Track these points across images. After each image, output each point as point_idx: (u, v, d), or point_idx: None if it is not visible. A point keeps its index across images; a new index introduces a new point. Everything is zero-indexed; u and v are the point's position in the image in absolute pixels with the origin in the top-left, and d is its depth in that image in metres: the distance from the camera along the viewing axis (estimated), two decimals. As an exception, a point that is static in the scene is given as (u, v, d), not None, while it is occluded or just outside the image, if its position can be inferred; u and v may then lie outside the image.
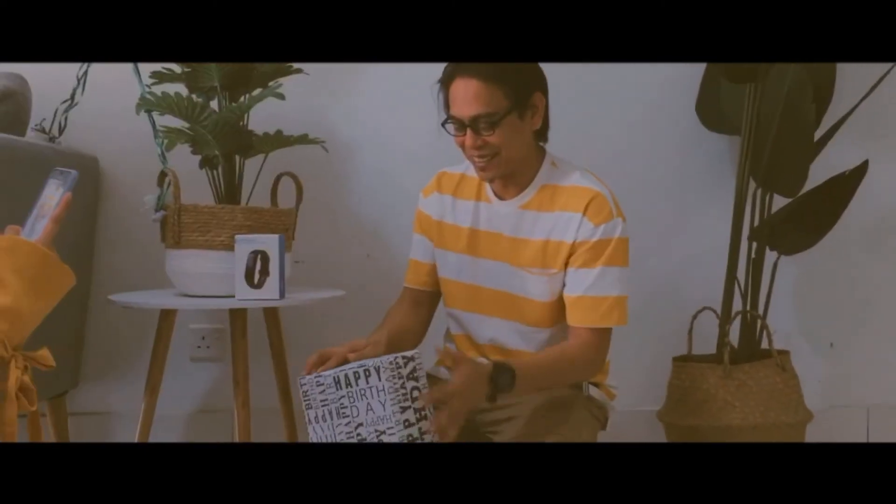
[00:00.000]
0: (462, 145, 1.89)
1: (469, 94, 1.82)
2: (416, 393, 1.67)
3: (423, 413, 1.67)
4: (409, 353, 1.67)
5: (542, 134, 1.96)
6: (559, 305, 1.96)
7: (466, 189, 2.02)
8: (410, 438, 1.67)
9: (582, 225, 1.90)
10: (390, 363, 1.66)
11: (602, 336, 1.93)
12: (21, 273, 1.30)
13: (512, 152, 1.88)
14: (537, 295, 1.96)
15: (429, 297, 2.11)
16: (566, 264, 1.92)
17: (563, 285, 1.94)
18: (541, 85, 1.92)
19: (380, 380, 1.66)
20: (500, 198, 1.98)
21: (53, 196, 1.41)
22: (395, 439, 1.67)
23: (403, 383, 1.66)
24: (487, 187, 2.01)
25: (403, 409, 1.67)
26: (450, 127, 1.89)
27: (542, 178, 1.96)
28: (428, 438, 1.68)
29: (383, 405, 1.67)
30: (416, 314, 2.08)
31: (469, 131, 1.85)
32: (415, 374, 1.66)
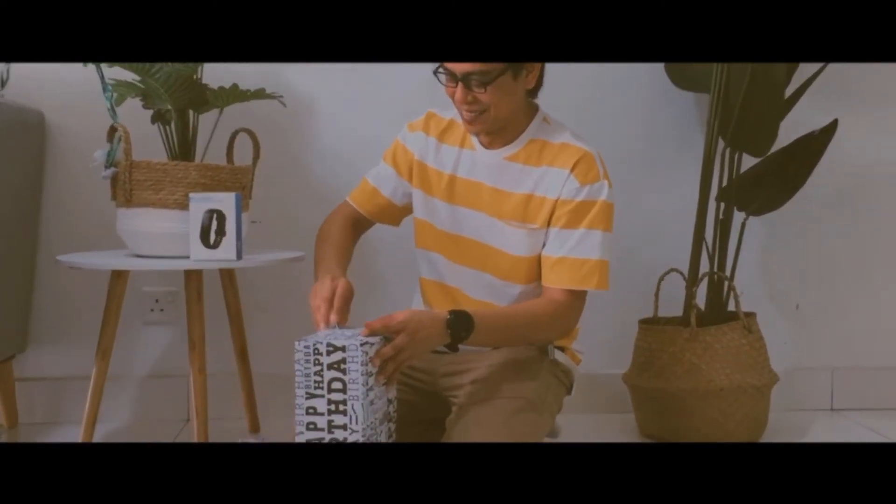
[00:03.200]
0: (452, 96, 1.85)
1: None
2: (336, 384, 1.61)
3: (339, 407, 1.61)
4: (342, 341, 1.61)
5: (534, 91, 1.92)
6: (534, 262, 1.92)
7: (452, 135, 1.99)
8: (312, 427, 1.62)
9: (568, 182, 1.87)
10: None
11: (577, 298, 1.90)
12: None
13: (501, 110, 1.84)
14: (513, 248, 1.92)
15: (365, 223, 2.09)
16: (548, 222, 1.88)
17: (543, 245, 1.90)
18: None
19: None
20: (486, 147, 1.94)
21: None
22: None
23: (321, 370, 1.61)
24: (473, 136, 1.96)
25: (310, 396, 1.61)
26: (442, 77, 1.84)
27: (532, 133, 1.92)
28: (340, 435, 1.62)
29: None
30: (354, 235, 2.06)
31: (460, 85, 1.81)
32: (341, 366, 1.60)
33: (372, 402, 1.64)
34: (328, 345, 1.59)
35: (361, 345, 1.59)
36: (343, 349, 1.59)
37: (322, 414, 1.60)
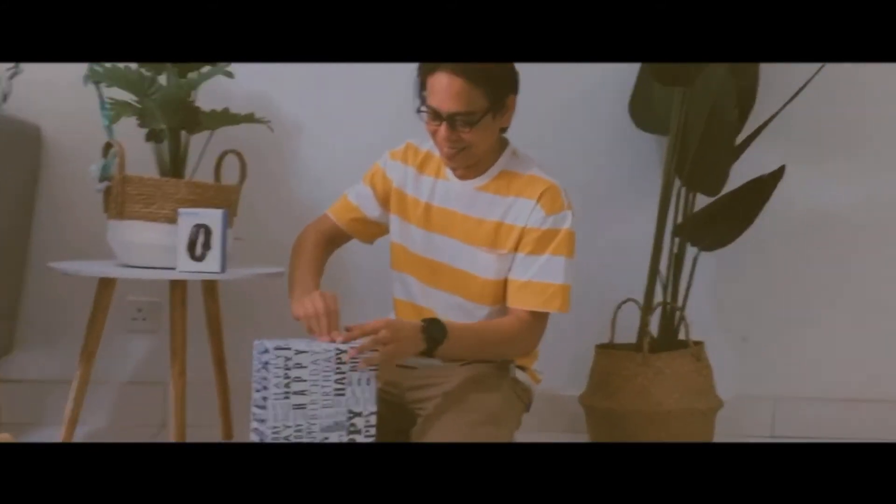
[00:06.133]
0: (433, 133, 1.96)
1: (452, 90, 1.88)
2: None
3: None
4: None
5: (505, 128, 2.05)
6: (501, 285, 2.05)
7: (429, 166, 2.10)
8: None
9: (534, 212, 2.00)
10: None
11: (540, 319, 2.03)
12: None
13: (480, 148, 1.97)
14: (483, 272, 2.05)
15: (340, 238, 2.20)
16: (515, 248, 2.02)
17: (510, 269, 2.03)
18: (515, 87, 2.00)
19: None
20: (459, 178, 2.07)
21: None
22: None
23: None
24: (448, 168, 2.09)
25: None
26: (424, 115, 1.95)
27: (502, 165, 2.05)
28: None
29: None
30: (329, 249, 2.17)
31: (445, 124, 1.92)
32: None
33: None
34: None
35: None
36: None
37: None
